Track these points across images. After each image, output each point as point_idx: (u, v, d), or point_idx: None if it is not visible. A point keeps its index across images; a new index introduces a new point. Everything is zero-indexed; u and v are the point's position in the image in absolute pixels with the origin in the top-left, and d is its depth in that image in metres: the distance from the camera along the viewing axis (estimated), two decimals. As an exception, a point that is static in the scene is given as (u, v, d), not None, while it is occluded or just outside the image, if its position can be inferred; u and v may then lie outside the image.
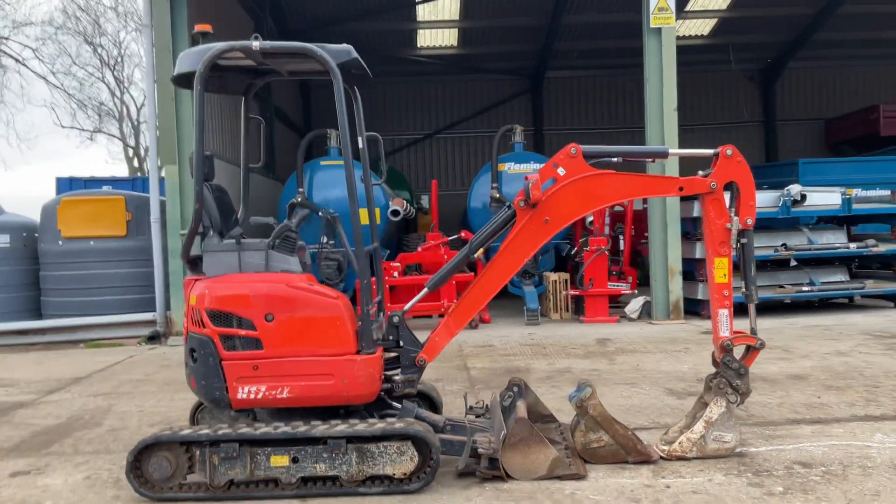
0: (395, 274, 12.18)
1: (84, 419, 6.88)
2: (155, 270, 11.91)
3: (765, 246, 11.92)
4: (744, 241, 5.15)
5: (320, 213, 12.57)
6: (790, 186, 12.30)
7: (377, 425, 4.68)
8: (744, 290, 5.24)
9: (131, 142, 37.51)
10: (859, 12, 21.36)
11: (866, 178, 14.88)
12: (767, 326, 11.12)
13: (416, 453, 4.64)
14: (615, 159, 5.13)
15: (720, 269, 5.14)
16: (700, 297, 12.23)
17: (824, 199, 12.46)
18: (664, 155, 5.16)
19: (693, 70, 23.94)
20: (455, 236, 12.99)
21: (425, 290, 5.34)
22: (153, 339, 11.74)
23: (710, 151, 5.15)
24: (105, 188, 16.02)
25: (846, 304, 13.58)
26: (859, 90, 25.43)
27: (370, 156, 5.67)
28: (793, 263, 12.22)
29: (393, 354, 5.18)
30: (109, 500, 4.75)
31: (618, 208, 13.87)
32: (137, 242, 12.49)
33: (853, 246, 12.26)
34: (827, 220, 13.16)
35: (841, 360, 8.30)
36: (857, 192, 13.31)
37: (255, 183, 15.43)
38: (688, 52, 22.88)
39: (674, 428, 5.42)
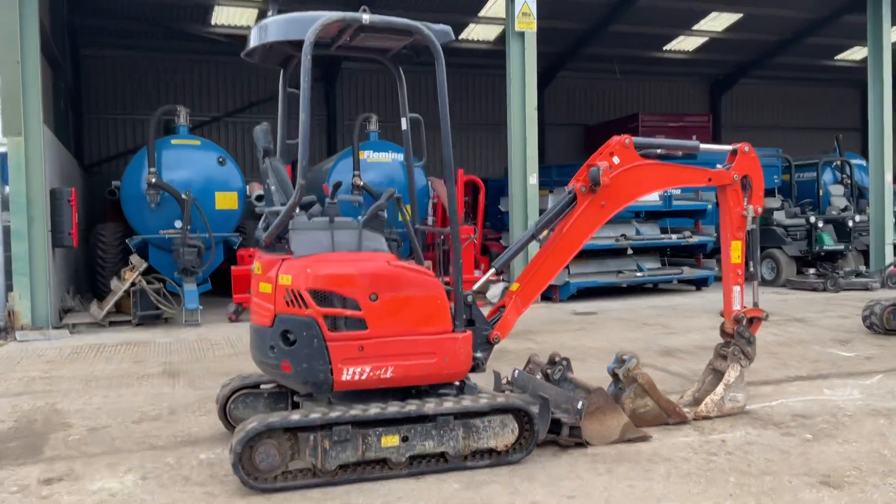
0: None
1: (38, 420, 6.07)
2: (-8, 257, 10.47)
3: (607, 236, 13.21)
4: (753, 226, 5.93)
5: (184, 196, 11.82)
6: None
7: (482, 400, 4.81)
8: (750, 268, 6.03)
9: None
10: (624, 31, 23.94)
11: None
12: (619, 307, 12.39)
13: (516, 425, 4.85)
14: (659, 150, 5.67)
15: (735, 251, 5.90)
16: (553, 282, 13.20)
17: (648, 196, 14.05)
18: (696, 148, 5.81)
19: (476, 74, 25.61)
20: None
21: (492, 269, 5.52)
22: (-7, 334, 10.29)
23: (729, 147, 5.88)
24: None
25: (652, 288, 15.35)
26: (616, 101, 28.64)
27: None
28: (629, 252, 13.66)
29: (463, 333, 5.29)
30: (202, 497, 4.40)
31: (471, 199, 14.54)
32: (-39, 225, 10.85)
33: (675, 236, 14.00)
34: (647, 215, 14.84)
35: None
36: (661, 191, 15.10)
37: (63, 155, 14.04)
38: (474, 56, 24.46)
39: (687, 393, 6.12)
